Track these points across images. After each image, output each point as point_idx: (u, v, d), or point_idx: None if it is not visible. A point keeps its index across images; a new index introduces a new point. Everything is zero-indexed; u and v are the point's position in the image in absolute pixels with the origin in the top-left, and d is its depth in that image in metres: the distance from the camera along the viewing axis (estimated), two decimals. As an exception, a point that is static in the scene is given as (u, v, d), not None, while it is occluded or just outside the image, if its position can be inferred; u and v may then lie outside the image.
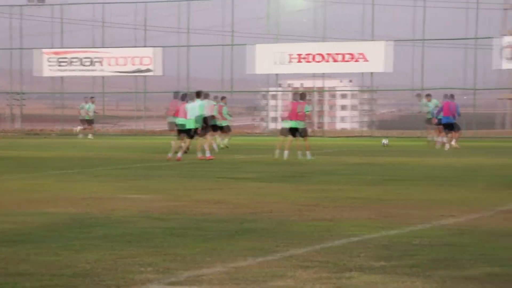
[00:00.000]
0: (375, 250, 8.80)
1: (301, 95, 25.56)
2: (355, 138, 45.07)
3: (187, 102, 25.02)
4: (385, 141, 35.54)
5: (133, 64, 48.85)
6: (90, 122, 44.72)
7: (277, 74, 46.97)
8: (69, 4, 51.60)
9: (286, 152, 24.74)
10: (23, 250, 8.91)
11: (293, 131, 25.04)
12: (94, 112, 44.50)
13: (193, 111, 24.22)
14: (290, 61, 45.76)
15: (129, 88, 50.40)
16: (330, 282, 7.24)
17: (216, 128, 30.84)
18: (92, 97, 45.03)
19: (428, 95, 36.24)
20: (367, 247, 9.02)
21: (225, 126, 32.87)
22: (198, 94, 25.10)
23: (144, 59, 48.56)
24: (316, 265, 8.00)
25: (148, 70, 48.58)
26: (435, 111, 33.03)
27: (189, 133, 24.17)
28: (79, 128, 44.79)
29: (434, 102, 35.17)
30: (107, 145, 34.63)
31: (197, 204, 13.13)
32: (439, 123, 32.58)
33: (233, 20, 47.63)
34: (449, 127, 32.23)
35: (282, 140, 25.37)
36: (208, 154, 24.12)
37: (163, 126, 53.63)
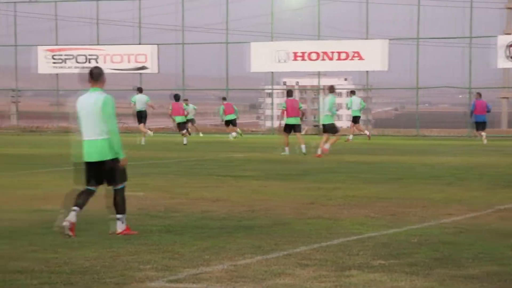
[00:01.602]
0: (374, 249, 8.79)
1: (288, 93, 26.28)
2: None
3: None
4: (233, 134, 36.84)
5: (129, 62, 48.72)
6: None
7: (272, 72, 46.85)
8: (63, 1, 51.29)
9: (286, 148, 25.29)
10: (20, 248, 8.89)
11: (290, 128, 25.40)
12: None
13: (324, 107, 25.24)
14: (285, 60, 45.68)
15: (124, 86, 50.16)
16: (329, 281, 7.23)
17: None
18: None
19: (351, 92, 36.82)
20: (366, 245, 9.01)
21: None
22: (332, 89, 25.36)
23: (139, 56, 48.48)
24: (315, 263, 7.99)
25: (143, 68, 48.47)
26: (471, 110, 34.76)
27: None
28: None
29: (353, 99, 35.49)
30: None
31: (195, 202, 13.12)
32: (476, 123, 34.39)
33: (227, 18, 47.55)
34: (482, 125, 34.26)
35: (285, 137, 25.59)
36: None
37: (158, 123, 53.52)
